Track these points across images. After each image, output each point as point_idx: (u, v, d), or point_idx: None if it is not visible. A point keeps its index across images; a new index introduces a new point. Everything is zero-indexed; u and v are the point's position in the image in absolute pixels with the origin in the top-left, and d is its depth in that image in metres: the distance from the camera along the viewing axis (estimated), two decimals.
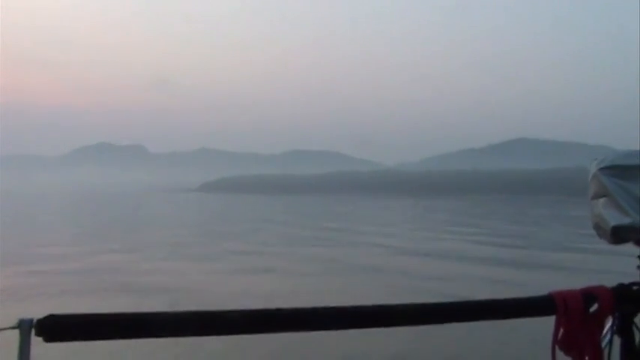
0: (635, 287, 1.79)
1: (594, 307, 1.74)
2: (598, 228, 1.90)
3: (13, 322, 1.35)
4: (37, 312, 1.44)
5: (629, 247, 1.88)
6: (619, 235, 1.83)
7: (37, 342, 1.38)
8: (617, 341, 1.78)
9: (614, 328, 1.78)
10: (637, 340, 1.80)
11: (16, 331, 1.35)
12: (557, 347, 1.73)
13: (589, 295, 1.74)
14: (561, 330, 1.72)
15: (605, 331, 1.77)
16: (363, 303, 1.58)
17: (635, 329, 1.79)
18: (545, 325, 1.83)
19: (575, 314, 1.70)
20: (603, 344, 1.77)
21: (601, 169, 1.85)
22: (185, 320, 1.46)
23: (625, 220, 1.79)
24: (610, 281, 1.83)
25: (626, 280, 1.82)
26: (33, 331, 1.35)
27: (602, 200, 1.87)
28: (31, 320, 1.35)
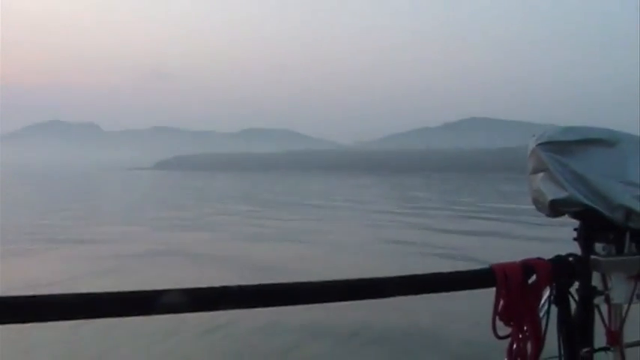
0: (571, 259, 1.85)
1: (533, 279, 1.79)
2: (537, 202, 1.95)
3: None
4: None
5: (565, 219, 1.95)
6: (557, 208, 1.87)
7: None
8: (554, 311, 1.84)
9: (552, 298, 1.83)
10: (572, 309, 1.86)
11: None
12: (497, 318, 1.78)
13: (528, 267, 1.78)
14: (501, 302, 1.77)
15: (542, 302, 1.83)
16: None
17: (570, 299, 1.85)
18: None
19: (514, 286, 1.74)
20: (541, 314, 1.82)
21: (539, 144, 1.89)
22: (117, 300, 1.40)
23: (562, 194, 1.84)
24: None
25: (563, 252, 1.89)
26: None
27: (540, 175, 1.91)
28: None
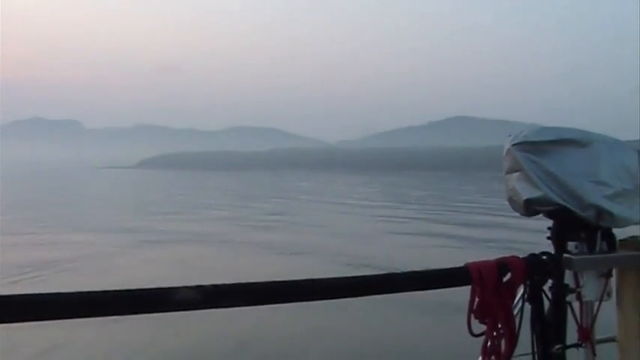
0: (544, 257, 1.88)
1: (507, 277, 1.82)
2: (512, 201, 1.98)
3: None
4: None
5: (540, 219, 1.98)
6: (531, 207, 1.91)
7: None
8: (527, 308, 1.87)
9: (526, 296, 1.86)
10: (546, 306, 1.90)
11: None
12: (472, 316, 1.80)
13: (503, 265, 1.81)
14: (476, 299, 1.79)
15: (517, 299, 1.86)
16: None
17: (544, 296, 1.88)
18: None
19: (489, 284, 1.77)
20: (515, 311, 1.85)
21: (514, 144, 1.92)
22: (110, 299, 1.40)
23: (536, 194, 1.87)
24: None
25: (537, 250, 1.92)
26: None
27: (515, 174, 1.94)
28: None
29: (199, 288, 1.45)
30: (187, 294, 1.43)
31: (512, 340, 1.82)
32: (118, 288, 1.39)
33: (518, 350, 1.84)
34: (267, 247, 21.37)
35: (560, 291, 1.90)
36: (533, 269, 1.85)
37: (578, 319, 1.97)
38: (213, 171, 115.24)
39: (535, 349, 1.89)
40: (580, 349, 1.99)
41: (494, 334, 1.82)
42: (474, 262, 1.80)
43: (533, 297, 1.86)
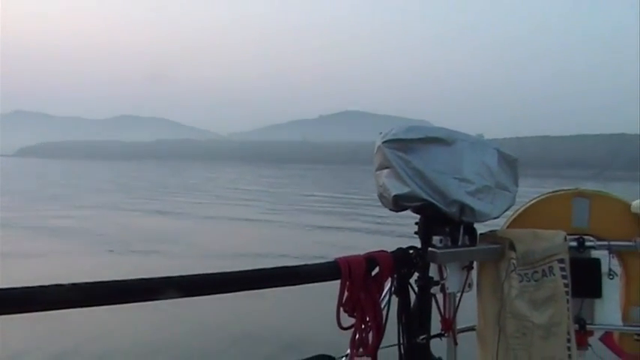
0: (411, 251, 1.95)
1: (376, 271, 1.86)
2: (382, 197, 2.03)
3: None
4: None
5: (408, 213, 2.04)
6: (399, 203, 1.96)
7: None
8: (395, 301, 1.93)
9: (393, 289, 1.92)
10: (412, 299, 1.96)
11: None
12: (342, 309, 1.83)
13: (371, 259, 1.84)
14: (345, 293, 1.82)
15: (384, 292, 1.91)
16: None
17: (410, 289, 1.95)
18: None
19: (357, 278, 1.80)
20: (383, 304, 1.90)
21: (384, 142, 1.96)
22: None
23: (404, 190, 1.92)
24: None
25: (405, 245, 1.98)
26: None
27: (385, 171, 1.98)
28: None
29: (174, 278, 1.50)
30: (162, 285, 1.49)
31: (380, 331, 1.86)
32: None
33: (385, 342, 1.89)
34: None
35: (425, 283, 1.97)
36: (400, 263, 1.91)
37: (442, 310, 2.06)
38: (99, 161, 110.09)
39: (401, 340, 1.95)
40: (443, 338, 2.09)
41: (363, 326, 1.86)
42: (344, 257, 1.83)
43: (400, 290, 1.92)
